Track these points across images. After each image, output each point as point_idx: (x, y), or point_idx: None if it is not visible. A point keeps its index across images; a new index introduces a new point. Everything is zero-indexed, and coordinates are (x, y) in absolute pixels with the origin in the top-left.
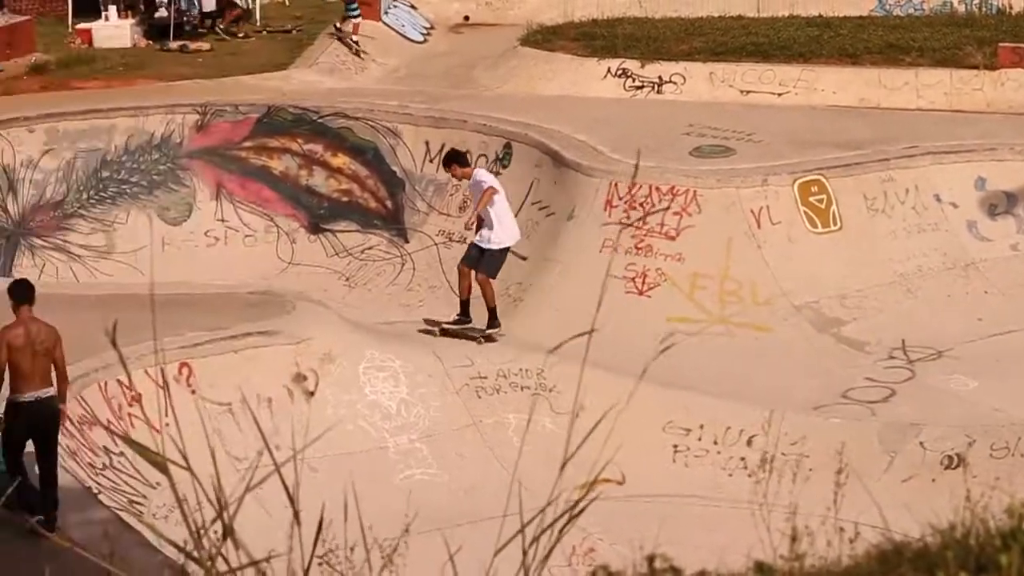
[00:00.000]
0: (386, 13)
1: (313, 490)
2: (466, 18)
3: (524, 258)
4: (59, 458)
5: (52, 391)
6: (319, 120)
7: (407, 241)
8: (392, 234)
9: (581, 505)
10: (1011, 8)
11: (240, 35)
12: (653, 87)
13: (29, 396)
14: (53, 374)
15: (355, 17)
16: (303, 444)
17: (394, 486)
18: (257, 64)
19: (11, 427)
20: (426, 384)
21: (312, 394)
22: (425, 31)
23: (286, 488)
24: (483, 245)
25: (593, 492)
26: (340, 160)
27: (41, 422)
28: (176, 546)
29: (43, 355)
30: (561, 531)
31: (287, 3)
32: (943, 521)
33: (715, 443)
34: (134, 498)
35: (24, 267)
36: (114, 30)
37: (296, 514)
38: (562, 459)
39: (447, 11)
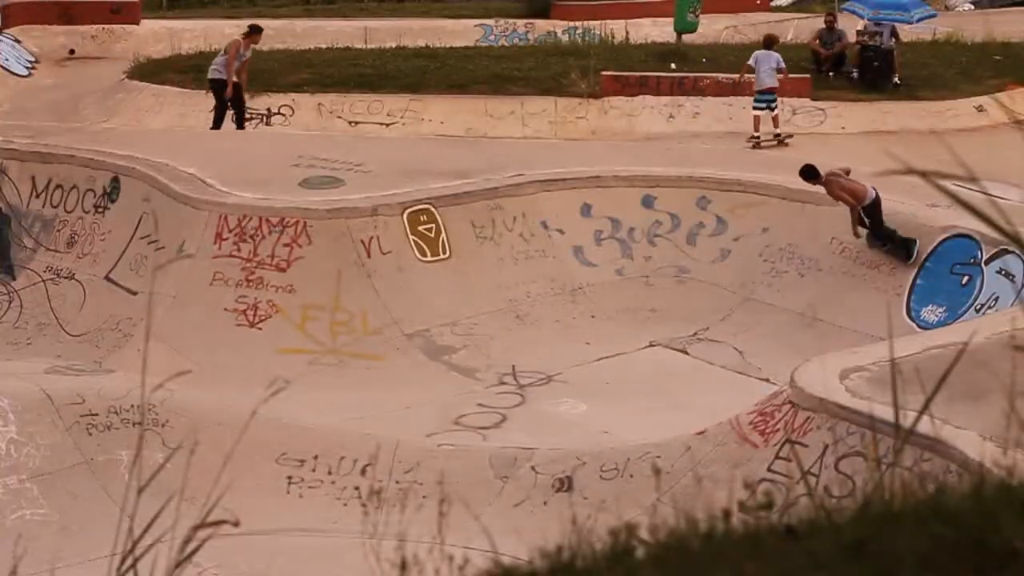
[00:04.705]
0: None
1: None
2: (71, 52)
3: (134, 293)
4: None
5: None
6: None
7: (14, 278)
8: None
9: (192, 547)
10: (613, 37)
11: None
12: (262, 119)
13: None
14: None
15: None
16: None
17: (4, 528)
18: None
19: None
20: (35, 422)
21: None
22: (30, 65)
23: None
24: None
25: (205, 533)
26: None
27: None
28: None
29: None
30: (172, 572)
31: None
32: (552, 544)
33: (329, 473)
34: None
35: None
36: None
37: None
38: (173, 494)
39: (52, 44)
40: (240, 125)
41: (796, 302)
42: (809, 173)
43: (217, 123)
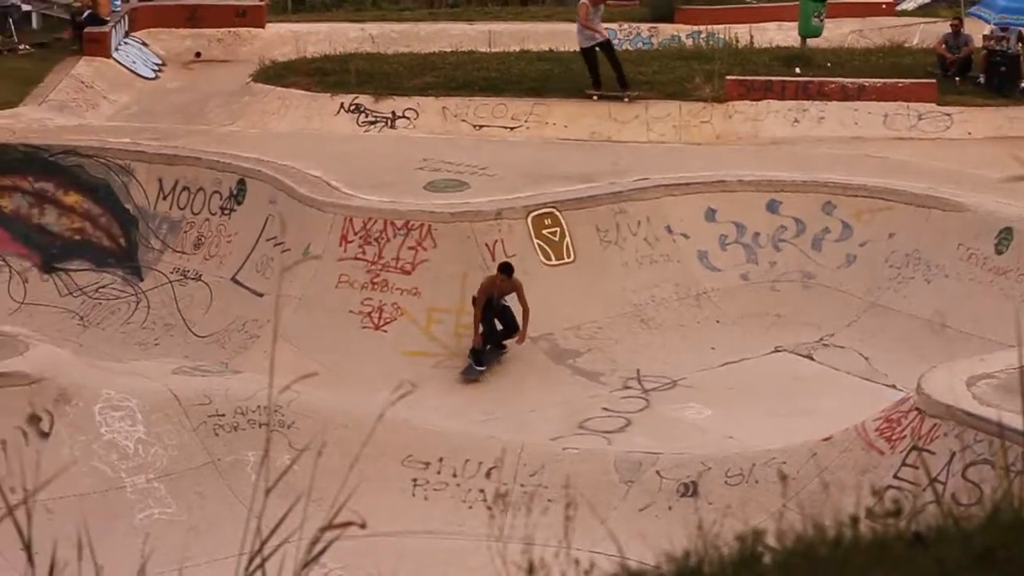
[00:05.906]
0: (116, 50)
1: (49, 532)
2: (198, 54)
3: (260, 295)
4: None
5: None
6: (50, 158)
7: (142, 279)
8: (126, 272)
9: (319, 548)
10: (737, 41)
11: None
12: (387, 122)
13: None
14: None
15: None
16: (37, 486)
17: (133, 526)
18: None
19: None
20: (163, 423)
21: (47, 435)
22: (156, 68)
23: (19, 530)
24: None
25: (332, 534)
26: (72, 198)
27: None
28: None
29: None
30: (300, 572)
31: None
32: (678, 549)
33: (454, 476)
34: None
35: None
36: None
37: (30, 556)
38: (300, 495)
39: (179, 48)
40: (622, 84)
41: (922, 308)
42: (508, 269)
43: (595, 85)
